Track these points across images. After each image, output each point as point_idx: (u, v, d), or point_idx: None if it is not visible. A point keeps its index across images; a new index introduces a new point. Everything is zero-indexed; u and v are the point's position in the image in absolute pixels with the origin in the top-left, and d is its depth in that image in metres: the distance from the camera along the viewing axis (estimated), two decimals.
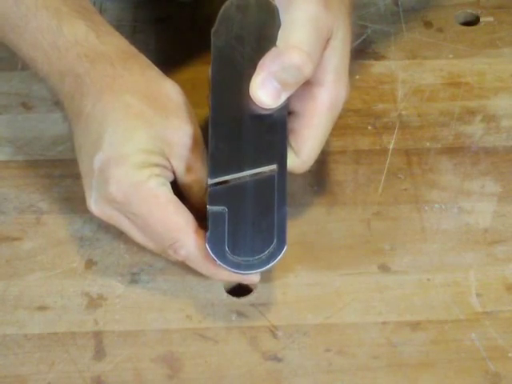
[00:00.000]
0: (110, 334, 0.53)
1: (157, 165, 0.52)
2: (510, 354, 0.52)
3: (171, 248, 0.52)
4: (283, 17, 0.53)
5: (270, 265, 0.50)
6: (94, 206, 0.53)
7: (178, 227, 0.51)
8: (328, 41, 0.52)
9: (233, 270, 0.50)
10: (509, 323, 0.53)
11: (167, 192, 0.52)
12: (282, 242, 0.50)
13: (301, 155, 0.54)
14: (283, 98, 0.52)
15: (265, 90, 0.52)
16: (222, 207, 0.50)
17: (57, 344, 0.52)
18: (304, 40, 0.51)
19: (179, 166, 0.53)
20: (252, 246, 0.50)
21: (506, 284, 0.55)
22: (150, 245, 0.53)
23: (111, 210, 0.52)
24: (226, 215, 0.50)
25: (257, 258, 0.50)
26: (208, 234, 0.50)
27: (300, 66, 0.50)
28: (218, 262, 0.50)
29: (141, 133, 0.52)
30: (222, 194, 0.51)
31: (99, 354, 0.52)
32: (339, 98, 0.53)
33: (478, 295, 0.54)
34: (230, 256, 0.50)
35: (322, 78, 0.53)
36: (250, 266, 0.50)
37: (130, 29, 0.70)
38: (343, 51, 0.53)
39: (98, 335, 0.53)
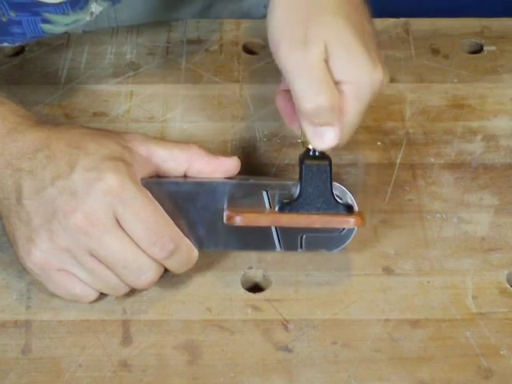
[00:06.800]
0: (137, 323, 0.54)
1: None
2: (501, 352, 0.53)
3: (157, 244, 0.52)
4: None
5: None
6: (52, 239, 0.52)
7: (167, 221, 0.53)
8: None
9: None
10: (501, 323, 0.55)
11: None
12: None
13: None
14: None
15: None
16: None
17: (88, 330, 0.54)
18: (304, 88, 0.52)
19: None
20: None
21: (499, 288, 0.57)
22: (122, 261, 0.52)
23: (75, 239, 0.51)
24: None
25: None
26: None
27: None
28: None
29: (109, 141, 0.53)
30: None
31: (126, 340, 0.54)
32: (363, 86, 0.53)
33: (473, 297, 0.56)
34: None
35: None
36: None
37: (163, 49, 0.71)
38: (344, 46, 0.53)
39: (125, 323, 0.54)
